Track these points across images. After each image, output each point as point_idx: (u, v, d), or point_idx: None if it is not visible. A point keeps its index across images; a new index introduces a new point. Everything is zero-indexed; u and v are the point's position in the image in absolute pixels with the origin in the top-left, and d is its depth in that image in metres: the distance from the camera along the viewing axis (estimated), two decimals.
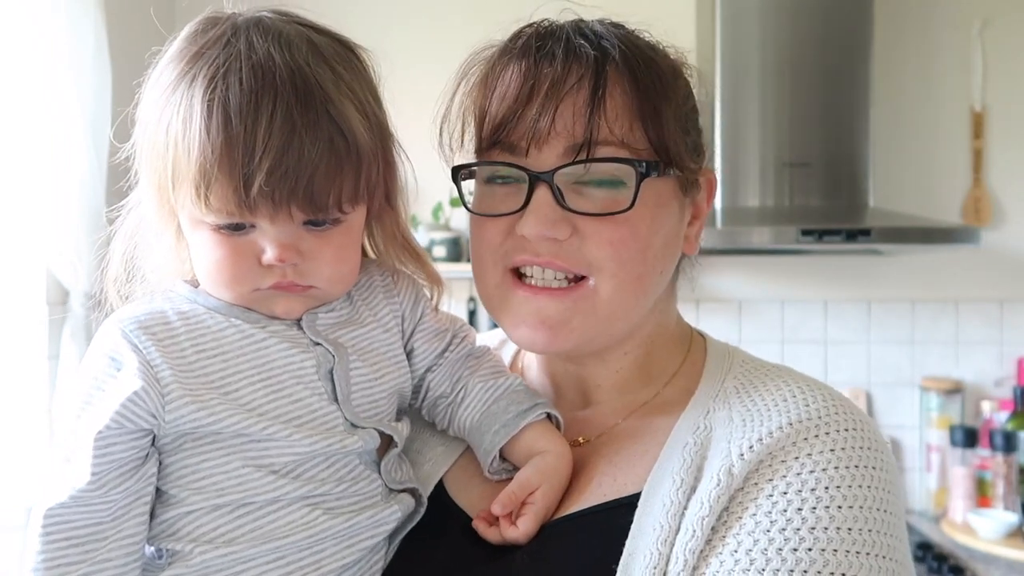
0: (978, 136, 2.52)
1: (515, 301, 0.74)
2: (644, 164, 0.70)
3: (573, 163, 0.70)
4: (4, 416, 1.92)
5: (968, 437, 2.29)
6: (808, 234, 2.12)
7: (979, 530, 2.10)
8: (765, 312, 2.63)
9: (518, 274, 0.74)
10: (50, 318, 2.04)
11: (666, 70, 0.74)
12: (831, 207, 2.32)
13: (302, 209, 0.66)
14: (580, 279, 0.72)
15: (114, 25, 2.01)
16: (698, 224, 0.80)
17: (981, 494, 2.23)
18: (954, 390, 2.46)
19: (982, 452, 2.26)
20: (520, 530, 0.69)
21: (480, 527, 0.71)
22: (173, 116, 0.65)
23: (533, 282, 0.73)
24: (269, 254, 0.67)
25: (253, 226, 0.67)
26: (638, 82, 0.71)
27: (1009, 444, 2.17)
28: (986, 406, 2.46)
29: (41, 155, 1.92)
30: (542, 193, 0.70)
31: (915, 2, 2.54)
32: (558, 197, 0.70)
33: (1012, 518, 2.10)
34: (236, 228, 0.67)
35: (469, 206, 0.78)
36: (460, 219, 2.59)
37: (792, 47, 2.34)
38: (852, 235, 2.12)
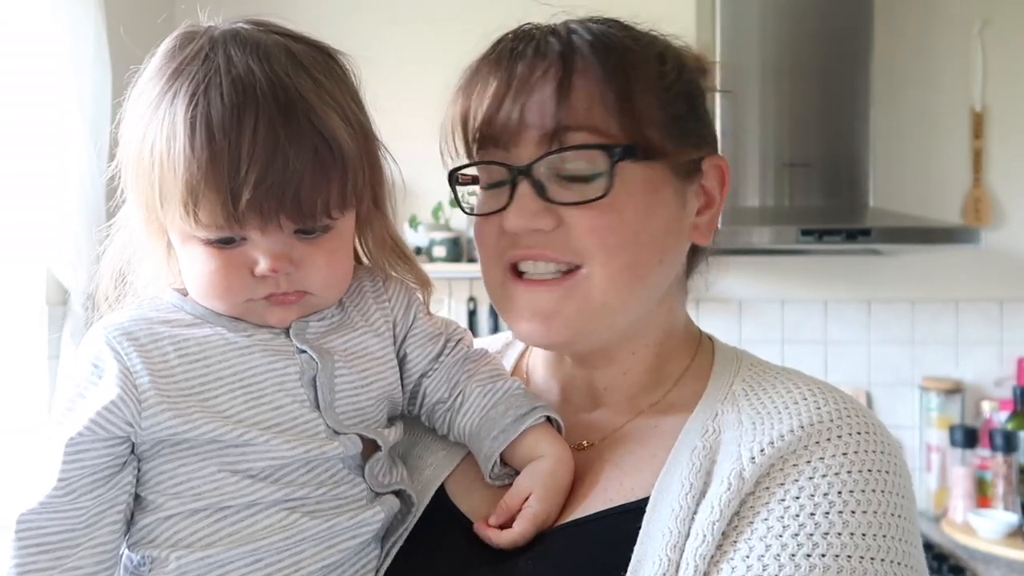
0: (978, 136, 2.53)
1: (515, 297, 0.75)
2: (617, 149, 0.70)
3: (547, 154, 0.71)
4: (4, 416, 1.93)
5: (968, 437, 2.29)
6: (808, 234, 2.12)
7: (979, 530, 2.10)
8: (765, 312, 2.63)
9: (517, 271, 0.75)
10: (50, 318, 2.04)
11: (647, 56, 0.73)
12: (831, 207, 2.32)
13: (291, 219, 0.66)
14: (574, 269, 0.72)
15: (114, 25, 2.01)
16: (709, 212, 0.78)
17: (981, 494, 2.23)
18: (954, 390, 2.46)
19: (982, 452, 2.26)
20: (516, 530, 0.68)
21: (481, 530, 0.71)
22: (157, 134, 0.66)
23: (529, 277, 0.74)
24: (262, 265, 0.68)
25: (244, 239, 0.67)
26: (605, 69, 0.71)
27: (1009, 444, 2.16)
28: (986, 406, 2.46)
29: (41, 155, 1.92)
30: (523, 187, 0.72)
31: (915, 2, 2.54)
32: (539, 189, 0.71)
33: (1012, 518, 2.10)
34: (227, 241, 0.67)
35: (467, 209, 0.79)
36: (460, 219, 2.59)
37: (792, 47, 2.34)
38: (852, 235, 2.12)
